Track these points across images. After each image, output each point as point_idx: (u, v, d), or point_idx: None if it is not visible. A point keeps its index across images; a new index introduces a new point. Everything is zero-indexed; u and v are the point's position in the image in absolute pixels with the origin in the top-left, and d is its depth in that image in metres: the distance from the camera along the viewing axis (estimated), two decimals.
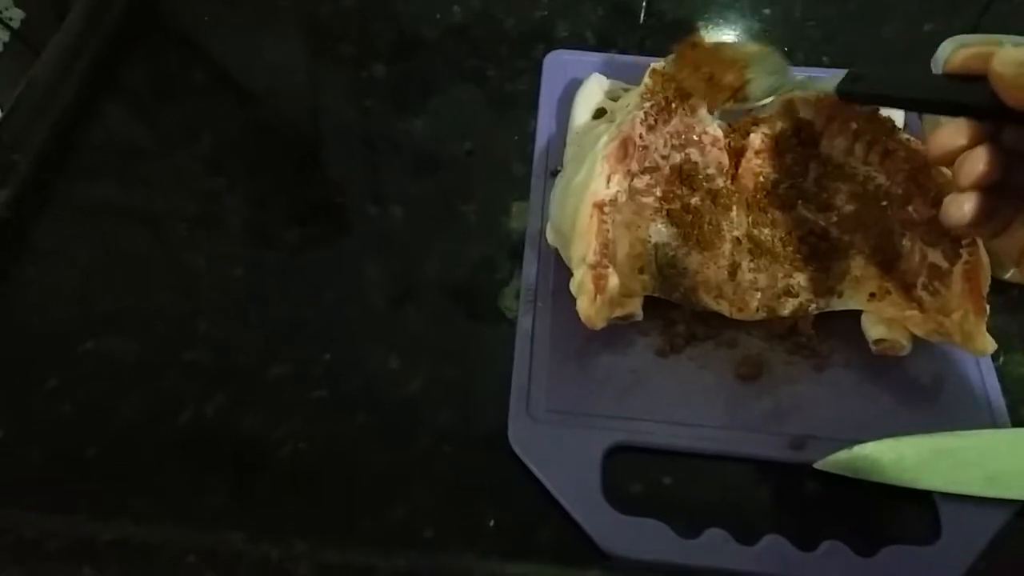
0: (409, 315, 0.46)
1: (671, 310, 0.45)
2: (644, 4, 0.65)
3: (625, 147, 0.43)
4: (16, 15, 0.71)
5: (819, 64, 0.60)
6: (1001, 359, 0.45)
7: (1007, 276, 0.48)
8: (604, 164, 0.42)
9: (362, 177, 0.54)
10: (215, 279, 0.47)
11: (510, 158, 0.54)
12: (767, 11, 0.65)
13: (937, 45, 0.54)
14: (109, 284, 0.47)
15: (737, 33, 0.63)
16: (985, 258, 0.40)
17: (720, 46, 0.47)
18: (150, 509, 0.38)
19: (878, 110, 0.44)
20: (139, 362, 0.44)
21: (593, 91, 0.53)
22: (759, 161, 0.47)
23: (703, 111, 0.46)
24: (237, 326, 0.45)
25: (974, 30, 0.64)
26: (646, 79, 0.47)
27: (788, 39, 0.63)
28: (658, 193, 0.45)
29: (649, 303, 0.44)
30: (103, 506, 0.38)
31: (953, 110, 0.34)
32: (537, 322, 0.45)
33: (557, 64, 0.59)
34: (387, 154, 0.55)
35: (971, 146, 0.33)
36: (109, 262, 0.48)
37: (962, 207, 0.33)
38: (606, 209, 0.41)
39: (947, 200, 0.34)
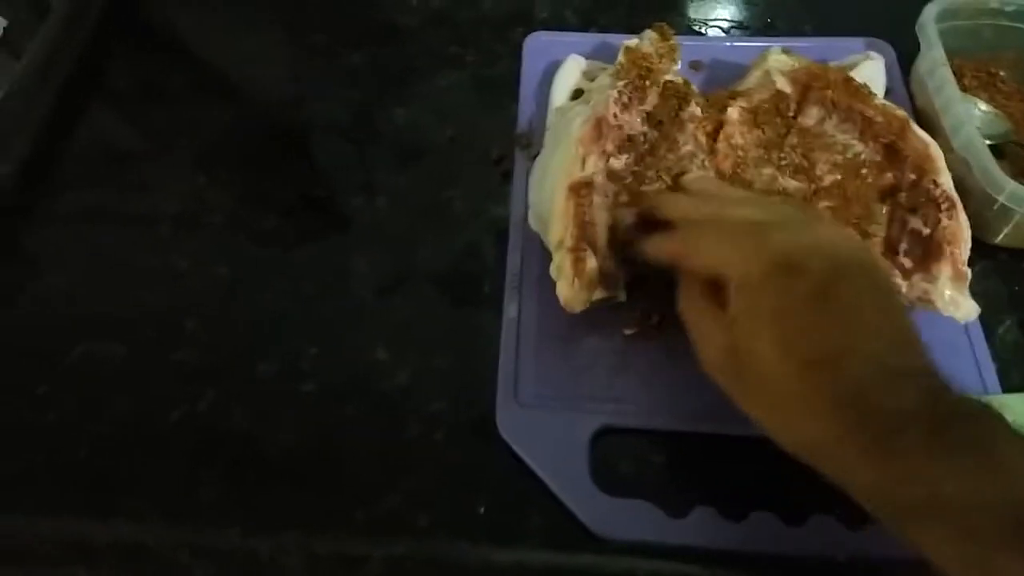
0: (396, 305, 0.47)
1: (654, 290, 0.45)
2: None
3: (599, 127, 0.42)
4: None
5: (801, 33, 0.60)
6: (990, 324, 0.45)
7: (997, 240, 0.47)
8: (578, 146, 0.42)
9: (345, 169, 0.54)
10: (200, 279, 0.48)
11: (493, 143, 0.54)
12: None
13: (921, 7, 0.53)
14: (95, 289, 0.47)
15: (719, 5, 0.62)
16: (965, 222, 0.40)
17: None
18: (143, 508, 0.38)
19: (850, 78, 0.43)
20: (127, 365, 0.44)
21: (571, 72, 0.52)
22: (738, 135, 0.46)
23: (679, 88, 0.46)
24: (224, 324, 0.46)
25: None
26: (620, 57, 0.46)
27: (769, 9, 0.62)
28: (637, 172, 0.45)
29: (632, 285, 0.44)
30: (96, 507, 0.38)
31: None
32: (523, 308, 0.45)
33: (537, 46, 0.58)
34: (369, 144, 0.55)
35: None
36: (95, 267, 0.48)
37: None
38: (583, 192, 0.41)
39: None
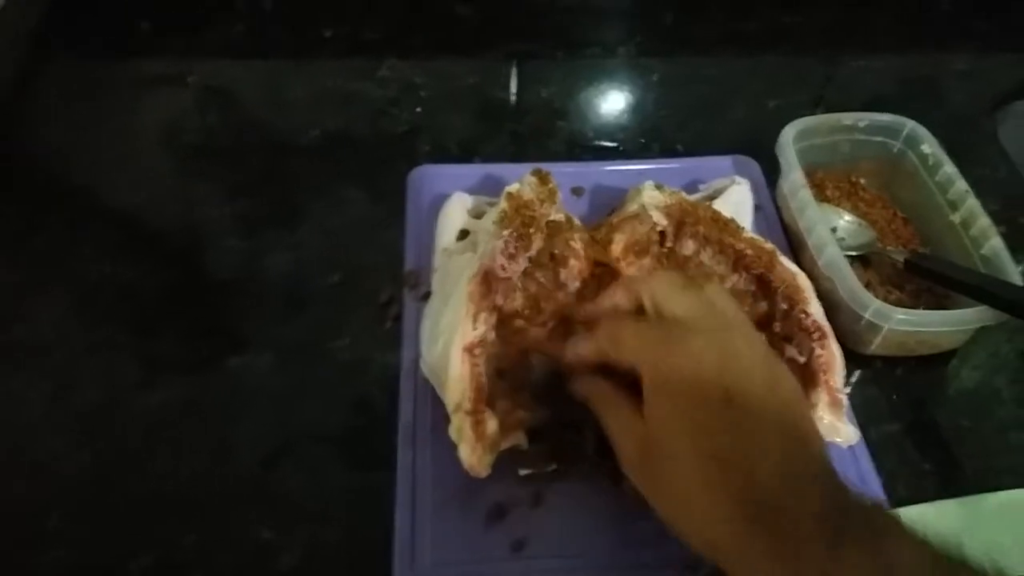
0: (282, 475, 0.44)
1: (554, 433, 0.44)
2: (514, 100, 0.66)
3: (487, 282, 0.42)
4: None
5: (674, 153, 0.62)
6: (872, 435, 0.46)
7: (869, 350, 0.49)
8: (469, 304, 0.41)
9: (227, 323, 0.52)
10: (66, 464, 0.44)
11: (381, 284, 0.53)
12: (622, 105, 0.67)
13: (783, 121, 0.56)
14: None
15: (596, 129, 0.65)
16: (837, 350, 0.41)
17: None
18: None
19: (718, 214, 0.45)
20: None
21: (455, 211, 0.52)
22: (623, 265, 0.47)
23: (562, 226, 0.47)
24: (93, 515, 0.42)
25: (818, 103, 0.68)
26: (502, 203, 0.47)
27: (643, 131, 0.65)
28: (527, 314, 0.45)
29: (532, 431, 0.43)
30: None
31: (992, 303, 0.44)
32: (417, 463, 0.44)
33: (422, 180, 0.58)
34: (253, 295, 0.53)
35: None
36: None
37: None
38: (476, 351, 0.40)
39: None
